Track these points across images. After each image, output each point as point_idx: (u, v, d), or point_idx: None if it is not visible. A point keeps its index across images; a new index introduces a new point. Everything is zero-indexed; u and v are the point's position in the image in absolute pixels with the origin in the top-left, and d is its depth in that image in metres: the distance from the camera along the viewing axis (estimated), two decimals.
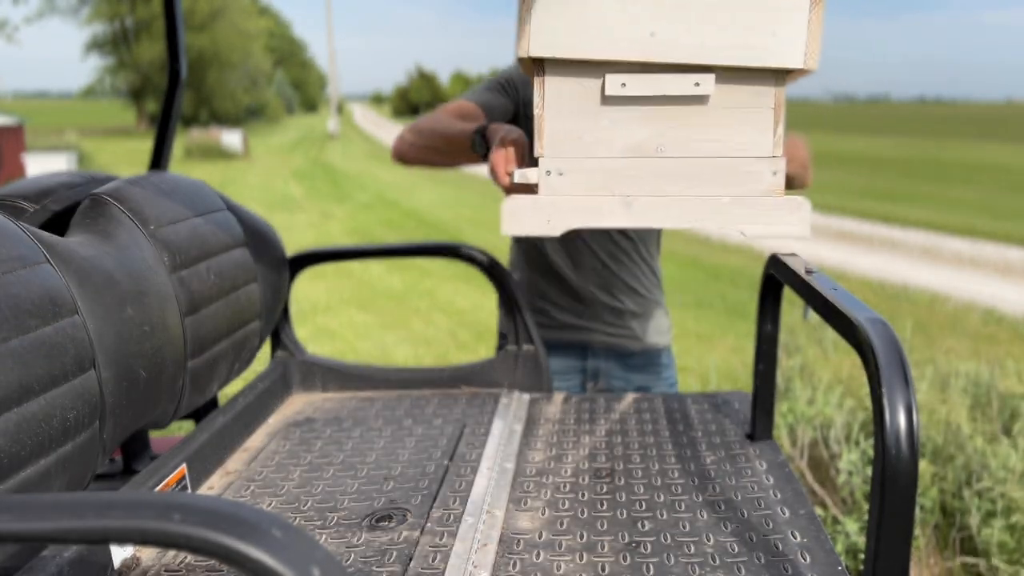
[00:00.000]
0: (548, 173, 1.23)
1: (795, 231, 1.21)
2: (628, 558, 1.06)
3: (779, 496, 1.21)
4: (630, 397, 1.63)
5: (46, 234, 1.13)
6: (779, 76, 1.19)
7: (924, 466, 2.92)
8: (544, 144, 1.23)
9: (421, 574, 1.04)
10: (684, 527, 1.13)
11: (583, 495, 1.24)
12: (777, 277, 1.26)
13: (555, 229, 1.23)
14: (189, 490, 1.29)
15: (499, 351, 1.89)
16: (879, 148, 30.34)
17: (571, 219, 1.23)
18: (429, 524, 1.16)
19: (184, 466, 1.28)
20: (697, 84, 1.18)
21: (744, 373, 5.15)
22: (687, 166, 1.21)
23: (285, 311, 1.74)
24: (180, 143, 24.72)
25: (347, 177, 20.11)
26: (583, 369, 1.93)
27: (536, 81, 1.22)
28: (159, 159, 1.80)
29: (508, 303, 1.71)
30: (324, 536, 1.15)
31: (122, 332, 1.15)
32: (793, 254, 1.27)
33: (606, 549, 1.08)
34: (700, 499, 1.21)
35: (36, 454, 0.94)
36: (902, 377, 0.82)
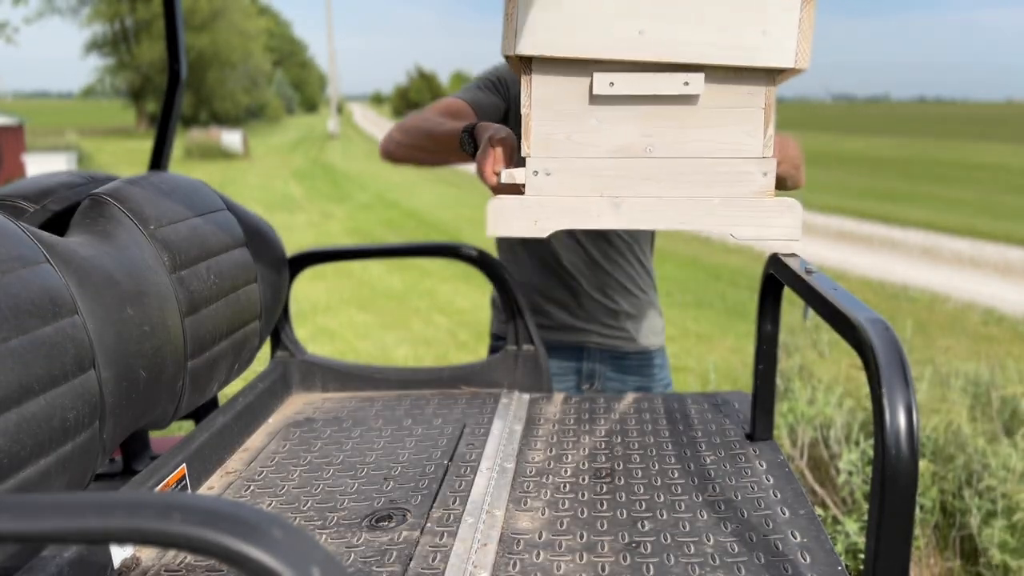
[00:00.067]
0: (535, 173, 1.21)
1: (786, 234, 1.21)
2: (628, 558, 1.06)
3: (779, 496, 1.21)
4: (630, 397, 1.63)
5: (46, 234, 1.13)
6: (770, 76, 1.17)
7: (924, 466, 2.92)
8: (531, 144, 1.21)
9: (421, 574, 1.04)
10: (684, 527, 1.13)
11: (583, 495, 1.24)
12: (777, 277, 1.25)
13: (542, 230, 1.22)
14: (189, 490, 1.29)
15: (494, 352, 1.89)
16: (879, 148, 30.34)
17: (558, 220, 1.21)
18: (429, 524, 1.16)
19: (184, 466, 1.28)
20: (686, 83, 1.16)
21: (744, 373, 5.15)
22: (676, 167, 1.20)
23: (285, 311, 1.74)
24: (180, 143, 24.72)
25: (347, 177, 20.11)
26: (578, 370, 1.92)
27: (523, 80, 1.20)
28: (159, 159, 1.80)
29: (508, 303, 1.70)
30: (324, 536, 1.15)
31: (122, 332, 1.15)
32: (793, 254, 1.27)
33: (606, 549, 1.08)
34: (700, 499, 1.21)
35: (36, 454, 0.94)
36: (902, 377, 0.82)
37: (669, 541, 1.09)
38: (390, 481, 1.32)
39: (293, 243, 1.79)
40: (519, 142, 1.25)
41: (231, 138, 27.62)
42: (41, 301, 1.00)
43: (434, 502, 1.23)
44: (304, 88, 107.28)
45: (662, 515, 1.17)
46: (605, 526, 1.14)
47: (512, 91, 1.79)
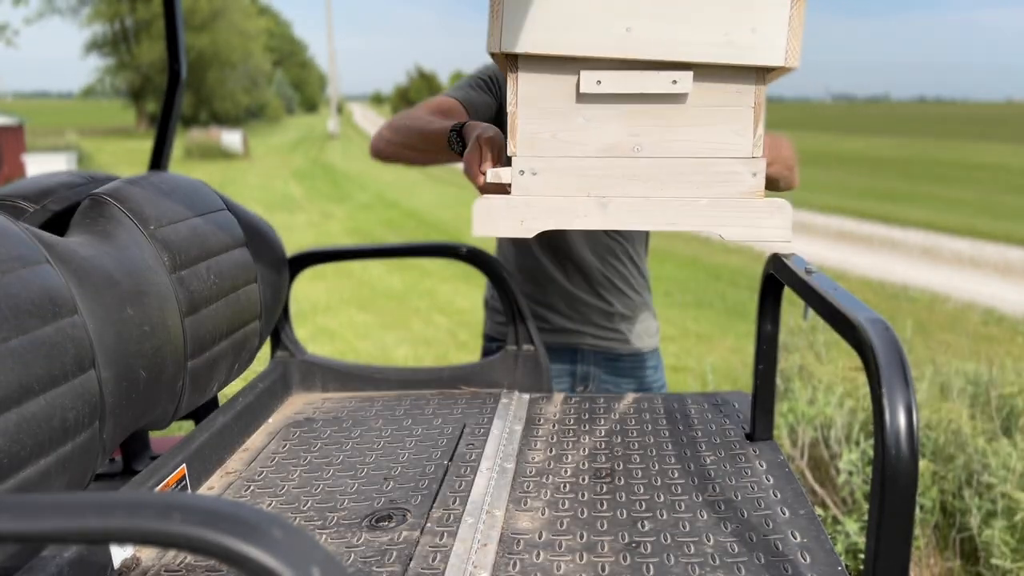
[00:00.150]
0: (521, 173, 1.20)
1: (776, 235, 1.19)
2: (628, 558, 1.06)
3: (779, 496, 1.21)
4: (630, 397, 1.63)
5: (46, 234, 1.13)
6: (760, 74, 1.16)
7: (924, 466, 2.92)
8: (517, 143, 1.19)
9: (421, 574, 1.04)
10: (684, 527, 1.13)
11: (583, 495, 1.24)
12: (777, 277, 1.25)
13: (528, 230, 1.20)
14: (189, 490, 1.29)
15: (487, 354, 1.89)
16: (879, 148, 30.34)
17: (545, 220, 1.20)
18: (429, 524, 1.16)
19: (184, 466, 1.28)
20: (674, 82, 1.15)
21: (744, 373, 5.15)
22: (664, 167, 1.18)
23: (285, 311, 1.74)
24: (180, 143, 24.72)
25: (347, 177, 20.12)
26: (572, 373, 1.90)
27: (509, 78, 1.19)
28: (159, 159, 1.80)
29: (508, 303, 1.70)
30: (324, 536, 1.15)
31: (122, 332, 1.15)
32: (793, 254, 1.26)
33: (606, 549, 1.08)
34: (700, 499, 1.21)
35: (36, 454, 0.94)
36: (902, 377, 0.82)
37: (669, 541, 1.09)
38: (390, 481, 1.32)
39: (293, 243, 1.79)
40: (507, 141, 1.24)
41: (231, 138, 27.63)
42: (41, 301, 1.00)
43: (434, 502, 1.23)
44: (304, 88, 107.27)
45: (662, 515, 1.17)
46: (605, 526, 1.14)
47: (503, 89, 1.77)
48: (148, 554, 1.12)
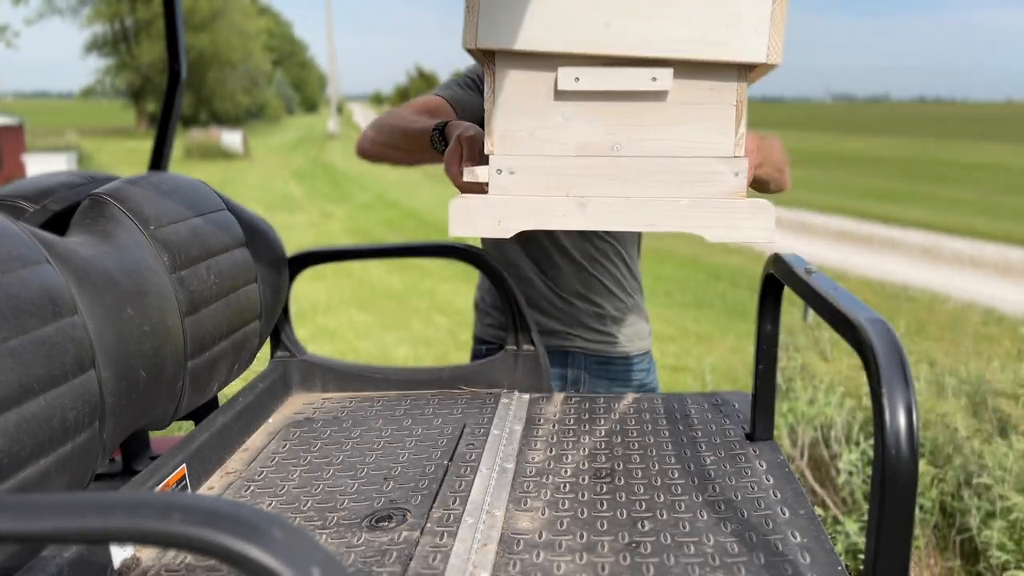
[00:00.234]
0: (499, 172, 1.17)
1: (759, 236, 1.16)
2: (628, 558, 1.06)
3: (779, 496, 1.21)
4: (630, 397, 1.63)
5: (46, 234, 1.13)
6: (742, 71, 1.13)
7: (923, 467, 2.92)
8: (494, 141, 1.17)
9: (421, 574, 1.04)
10: (684, 527, 1.13)
11: (583, 495, 1.24)
12: (777, 277, 1.25)
13: (506, 230, 1.18)
14: (189, 490, 1.29)
15: (476, 356, 1.88)
16: (879, 148, 30.34)
17: (523, 220, 1.18)
18: (429, 524, 1.16)
19: (184, 466, 1.28)
20: (654, 79, 1.13)
21: (744, 373, 5.15)
22: (644, 166, 1.16)
23: (285, 311, 1.74)
24: (180, 143, 24.73)
25: (347, 177, 20.13)
26: (563, 376, 1.87)
27: (486, 74, 1.17)
28: (159, 159, 1.80)
29: (508, 304, 1.70)
30: (324, 536, 1.15)
31: (122, 332, 1.15)
32: (793, 254, 1.26)
33: (606, 549, 1.08)
34: (700, 499, 1.21)
35: (36, 454, 0.94)
36: (902, 377, 0.82)
37: (669, 541, 1.09)
38: (390, 481, 1.32)
39: (293, 243, 1.79)
40: (484, 139, 1.21)
41: (231, 138, 27.63)
42: (41, 301, 1.00)
43: (434, 502, 1.23)
44: (304, 88, 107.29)
45: (662, 515, 1.17)
46: (605, 526, 1.14)
47: None
48: (148, 554, 1.12)
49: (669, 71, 1.13)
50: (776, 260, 1.24)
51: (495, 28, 1.12)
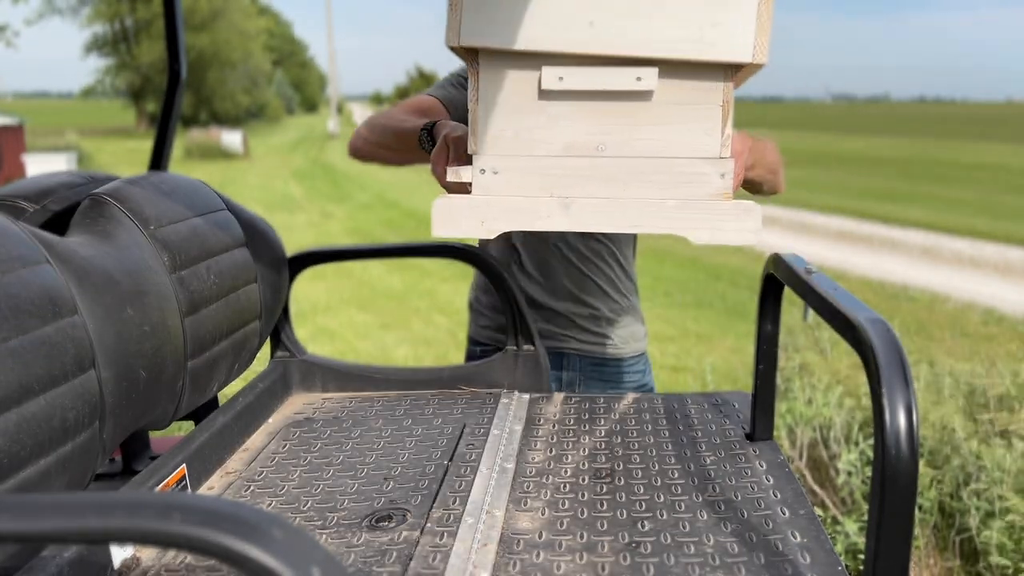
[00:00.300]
0: (482, 172, 1.16)
1: (744, 238, 1.15)
2: (628, 558, 1.06)
3: (779, 496, 1.21)
4: (630, 397, 1.63)
5: (46, 234, 1.14)
6: (728, 71, 1.12)
7: (922, 467, 2.92)
8: (478, 141, 1.16)
9: (421, 574, 1.04)
10: (684, 527, 1.13)
11: (583, 495, 1.24)
12: (777, 277, 1.25)
13: (489, 231, 1.17)
14: (189, 490, 1.29)
15: (471, 358, 1.88)
16: (879, 148, 30.35)
17: (506, 221, 1.17)
18: (429, 524, 1.16)
19: (184, 466, 1.28)
20: (639, 78, 1.11)
21: (744, 373, 5.15)
22: (629, 166, 1.15)
23: (285, 311, 1.74)
24: (180, 143, 24.74)
25: (347, 177, 20.12)
26: (558, 379, 1.86)
27: (470, 73, 1.16)
28: (159, 159, 1.80)
29: (508, 303, 1.70)
30: (324, 536, 1.15)
31: (122, 332, 1.15)
32: (793, 254, 1.26)
33: (606, 549, 1.08)
34: (700, 499, 1.21)
35: (36, 454, 0.94)
36: (902, 377, 0.82)
37: (669, 541, 1.09)
38: (390, 481, 1.32)
39: (293, 243, 1.79)
40: (468, 139, 1.20)
41: (231, 138, 27.64)
42: (41, 301, 1.00)
43: (434, 502, 1.23)
44: (304, 88, 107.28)
45: (662, 515, 1.17)
46: (605, 526, 1.14)
47: None
48: (148, 554, 1.12)
49: (654, 71, 1.11)
50: (776, 260, 1.24)
51: (478, 26, 1.11)
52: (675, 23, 1.10)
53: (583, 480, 1.29)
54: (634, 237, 1.90)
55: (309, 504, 1.25)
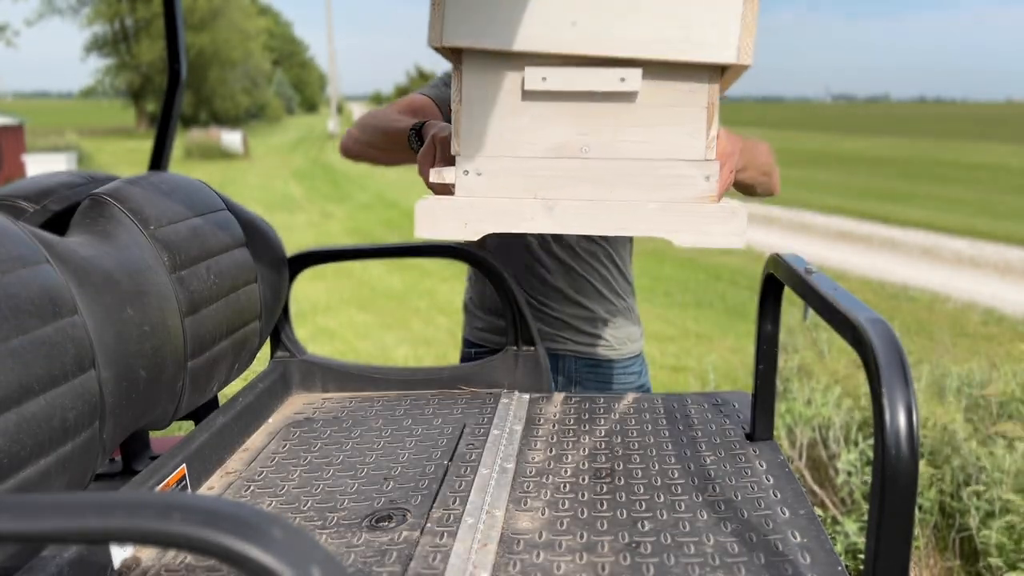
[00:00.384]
0: (465, 173, 1.15)
1: (729, 241, 1.14)
2: (628, 558, 1.06)
3: (779, 496, 1.21)
4: (630, 397, 1.63)
5: (46, 234, 1.14)
6: (713, 73, 1.11)
7: (922, 467, 2.93)
8: (461, 142, 1.15)
9: (421, 574, 1.04)
10: (684, 527, 1.13)
11: (583, 495, 1.24)
12: (777, 277, 1.25)
13: (473, 233, 1.16)
14: (189, 490, 1.29)
15: (465, 359, 1.87)
16: (879, 148, 30.35)
17: (489, 223, 1.16)
18: (429, 524, 1.16)
19: (184, 466, 1.28)
20: (622, 79, 1.10)
21: (744, 373, 5.15)
22: (613, 168, 1.14)
23: (285, 311, 1.74)
24: (180, 143, 24.74)
25: (347, 177, 20.13)
26: (554, 380, 1.84)
27: (453, 73, 1.15)
28: (159, 159, 1.80)
29: (508, 303, 1.70)
30: (324, 536, 1.15)
31: (122, 332, 1.15)
32: (793, 254, 1.26)
33: (606, 549, 1.08)
34: (700, 499, 1.21)
35: (36, 454, 0.94)
36: (902, 377, 0.82)
37: (669, 541, 1.09)
38: (390, 481, 1.32)
39: (293, 243, 1.79)
40: (451, 139, 1.19)
41: (231, 138, 27.65)
42: (41, 301, 1.00)
43: (434, 502, 1.23)
44: (304, 88, 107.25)
45: (662, 515, 1.17)
46: (605, 526, 1.14)
47: None
48: (148, 554, 1.12)
49: (638, 72, 1.10)
50: (776, 260, 1.24)
51: (461, 25, 1.10)
52: (659, 24, 1.09)
53: (583, 480, 1.29)
54: (630, 238, 1.89)
55: (309, 504, 1.25)
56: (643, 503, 1.20)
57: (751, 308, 3.88)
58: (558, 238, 1.79)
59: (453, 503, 1.22)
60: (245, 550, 0.55)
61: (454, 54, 1.14)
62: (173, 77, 1.79)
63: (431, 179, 1.20)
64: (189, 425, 1.58)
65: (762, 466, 1.31)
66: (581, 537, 1.12)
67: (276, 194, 16.65)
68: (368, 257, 1.87)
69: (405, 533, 1.14)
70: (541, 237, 1.79)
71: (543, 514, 1.18)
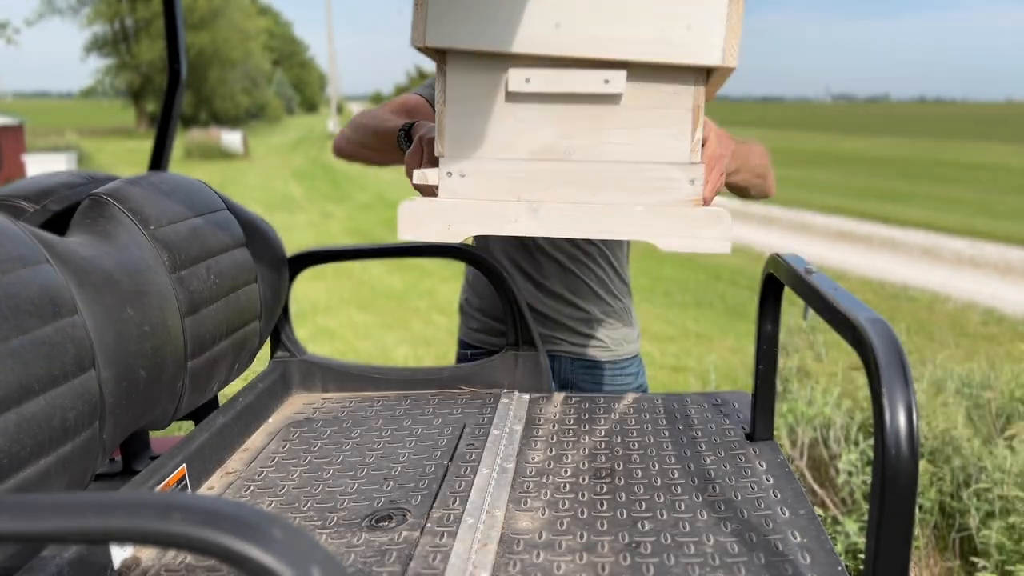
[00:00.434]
0: (449, 175, 1.15)
1: (714, 246, 1.13)
2: (628, 558, 1.06)
3: (779, 496, 1.21)
4: (630, 397, 1.63)
5: (46, 234, 1.14)
6: (698, 75, 1.10)
7: (922, 467, 2.92)
8: (445, 143, 1.14)
9: (421, 574, 1.04)
10: (684, 527, 1.13)
11: (583, 495, 1.24)
12: (777, 277, 1.25)
13: (456, 235, 1.15)
14: (189, 490, 1.29)
15: (461, 361, 1.87)
16: (879, 148, 30.36)
17: (473, 225, 1.15)
18: (429, 524, 1.16)
19: (184, 466, 1.28)
20: (607, 81, 1.09)
21: (744, 373, 5.15)
22: (597, 171, 1.13)
23: (285, 311, 1.74)
24: (180, 143, 24.74)
25: (347, 177, 20.13)
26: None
27: (438, 74, 1.14)
28: (159, 159, 1.80)
29: (508, 303, 1.70)
30: (324, 536, 1.15)
31: (122, 332, 1.15)
32: (793, 254, 1.26)
33: (606, 549, 1.08)
34: (700, 499, 1.21)
35: (36, 454, 0.94)
36: (902, 377, 0.82)
37: (669, 541, 1.09)
38: (390, 481, 1.32)
39: (293, 243, 1.79)
40: (435, 141, 1.18)
41: (231, 138, 27.66)
42: (41, 301, 1.00)
43: (434, 502, 1.23)
44: (304, 88, 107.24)
45: (662, 515, 1.17)
46: (605, 526, 1.14)
47: None
48: (148, 554, 1.12)
49: (622, 73, 1.10)
50: (776, 260, 1.24)
51: (444, 26, 1.10)
52: (643, 25, 1.08)
53: (583, 480, 1.29)
54: None
55: (309, 504, 1.25)
56: (643, 503, 1.20)
57: (751, 308, 3.88)
58: (552, 238, 1.78)
59: (453, 503, 1.22)
60: (245, 550, 0.55)
61: (438, 55, 1.14)
62: (173, 77, 1.79)
63: (414, 180, 1.19)
64: (189, 425, 1.58)
65: (762, 466, 1.31)
66: (581, 537, 1.12)
67: (276, 194, 16.65)
68: (368, 257, 1.87)
69: (405, 533, 1.14)
70: (535, 237, 1.79)
71: (543, 514, 1.18)
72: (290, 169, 22.99)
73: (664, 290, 8.16)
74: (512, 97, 1.13)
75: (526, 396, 1.66)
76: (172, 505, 0.58)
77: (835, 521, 2.92)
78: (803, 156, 24.27)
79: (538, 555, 1.07)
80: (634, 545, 1.09)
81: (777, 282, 1.26)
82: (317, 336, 6.53)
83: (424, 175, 1.17)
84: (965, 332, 6.53)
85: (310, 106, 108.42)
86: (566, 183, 1.14)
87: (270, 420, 1.60)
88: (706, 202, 1.16)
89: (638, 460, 1.35)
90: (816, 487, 3.16)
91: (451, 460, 1.38)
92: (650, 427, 1.48)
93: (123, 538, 0.59)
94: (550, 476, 1.31)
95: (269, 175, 20.91)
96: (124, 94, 46.52)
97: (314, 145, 35.03)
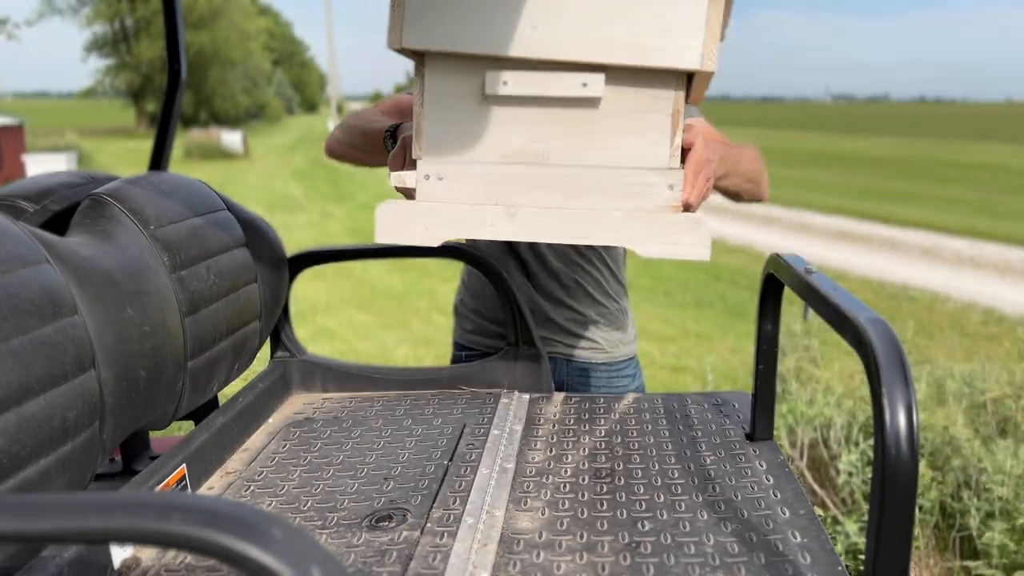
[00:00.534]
0: (426, 178, 1.14)
1: (692, 253, 1.12)
2: (628, 558, 1.06)
3: (779, 496, 1.21)
4: (630, 397, 1.63)
5: (46, 234, 1.14)
6: (677, 79, 1.09)
7: (922, 468, 2.92)
8: (423, 146, 1.14)
9: (421, 574, 1.04)
10: (684, 527, 1.13)
11: (583, 495, 1.24)
12: (777, 277, 1.25)
13: (433, 239, 1.15)
14: (189, 490, 1.29)
15: (456, 363, 1.87)
16: (879, 148, 30.36)
17: (450, 228, 1.14)
18: (429, 524, 1.16)
19: (184, 466, 1.28)
20: (585, 85, 1.08)
21: (744, 373, 5.15)
22: (575, 176, 1.12)
23: (285, 311, 1.74)
24: (180, 143, 24.75)
25: (347, 177, 20.13)
26: None
27: (416, 76, 1.14)
28: (159, 159, 1.80)
29: (508, 303, 1.70)
30: (324, 536, 1.15)
31: (122, 332, 1.15)
32: (793, 254, 1.26)
33: (606, 549, 1.08)
34: (700, 499, 1.21)
35: (36, 454, 0.94)
36: (902, 377, 0.82)
37: (669, 541, 1.09)
38: (390, 481, 1.32)
39: (293, 243, 1.79)
40: (413, 143, 1.18)
41: (231, 138, 27.66)
42: (41, 301, 1.00)
43: (434, 502, 1.23)
44: (304, 88, 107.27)
45: (662, 515, 1.17)
46: (605, 526, 1.14)
47: None
48: (148, 554, 1.12)
49: (600, 77, 1.08)
50: (776, 260, 1.24)
51: (420, 28, 1.09)
52: (621, 28, 1.07)
53: (583, 480, 1.29)
54: None
55: (309, 504, 1.25)
56: (643, 503, 1.20)
57: (751, 308, 3.88)
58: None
59: (453, 503, 1.22)
60: (245, 550, 0.55)
61: (416, 57, 1.13)
62: (173, 77, 1.79)
63: (392, 183, 1.18)
64: (189, 425, 1.59)
65: (762, 466, 1.31)
66: (581, 537, 1.12)
67: (276, 194, 16.65)
68: (368, 257, 1.87)
69: (405, 533, 1.14)
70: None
71: (543, 514, 1.18)
72: (290, 169, 22.99)
73: (664, 290, 8.16)
74: (489, 100, 1.12)
75: (526, 396, 1.66)
76: (172, 505, 0.58)
77: (835, 521, 2.92)
78: (803, 156, 24.28)
79: (538, 555, 1.07)
80: (634, 545, 1.09)
81: (777, 282, 1.26)
82: (317, 336, 6.53)
83: (401, 177, 1.16)
84: (965, 332, 6.53)
85: (310, 106, 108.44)
86: (544, 187, 1.13)
87: (270, 420, 1.60)
88: (692, 208, 1.15)
89: (638, 460, 1.35)
90: (816, 487, 3.16)
91: (451, 460, 1.38)
92: (650, 427, 1.48)
93: (123, 538, 0.59)
94: (550, 476, 1.31)
95: (269, 175, 20.91)
96: (124, 94, 46.50)
97: (314, 145, 35.02)
